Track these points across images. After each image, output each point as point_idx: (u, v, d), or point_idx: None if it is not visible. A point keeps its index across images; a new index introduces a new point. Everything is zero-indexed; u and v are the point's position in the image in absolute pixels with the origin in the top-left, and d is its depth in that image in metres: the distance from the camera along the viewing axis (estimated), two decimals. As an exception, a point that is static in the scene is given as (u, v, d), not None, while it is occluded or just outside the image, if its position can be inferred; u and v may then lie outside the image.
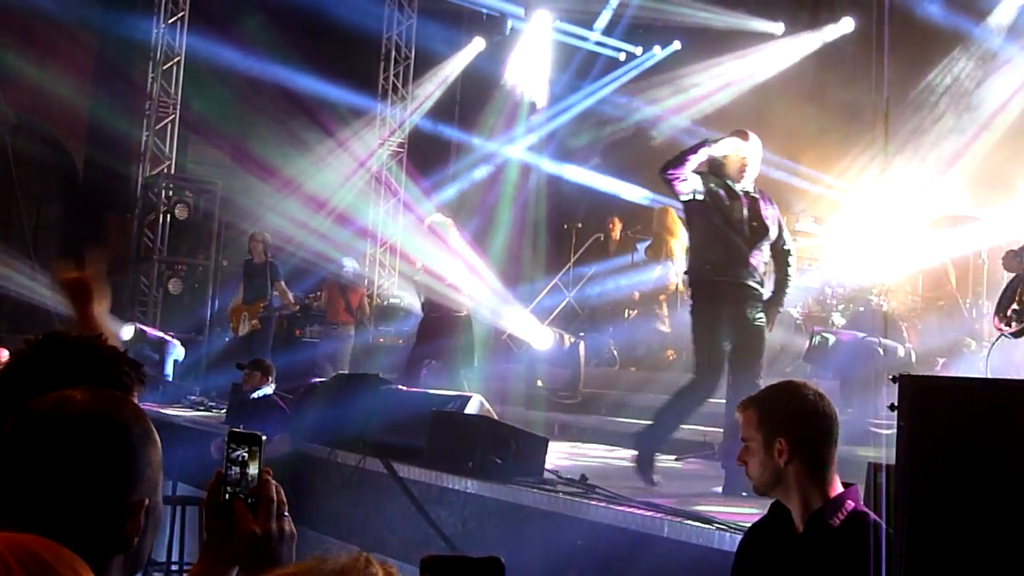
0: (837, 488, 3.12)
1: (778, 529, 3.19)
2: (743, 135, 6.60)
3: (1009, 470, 2.74)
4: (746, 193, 6.60)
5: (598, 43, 16.33)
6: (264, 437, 2.08)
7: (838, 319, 10.44)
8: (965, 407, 2.87)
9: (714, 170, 6.59)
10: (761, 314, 6.55)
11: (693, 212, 6.64)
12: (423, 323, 10.32)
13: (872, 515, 3.05)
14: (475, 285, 10.10)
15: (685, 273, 6.87)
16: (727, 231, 6.46)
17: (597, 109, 16.26)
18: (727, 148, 6.55)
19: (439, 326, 9.91)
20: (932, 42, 12.26)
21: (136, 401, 2.19)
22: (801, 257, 11.71)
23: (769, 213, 6.63)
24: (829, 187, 12.81)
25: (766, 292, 6.70)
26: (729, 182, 6.56)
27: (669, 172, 6.41)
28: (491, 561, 1.96)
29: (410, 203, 16.55)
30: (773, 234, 6.63)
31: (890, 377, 2.75)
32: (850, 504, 3.08)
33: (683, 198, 6.56)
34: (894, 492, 2.74)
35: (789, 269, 6.84)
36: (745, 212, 6.52)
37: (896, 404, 2.80)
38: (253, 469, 2.04)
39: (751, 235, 6.52)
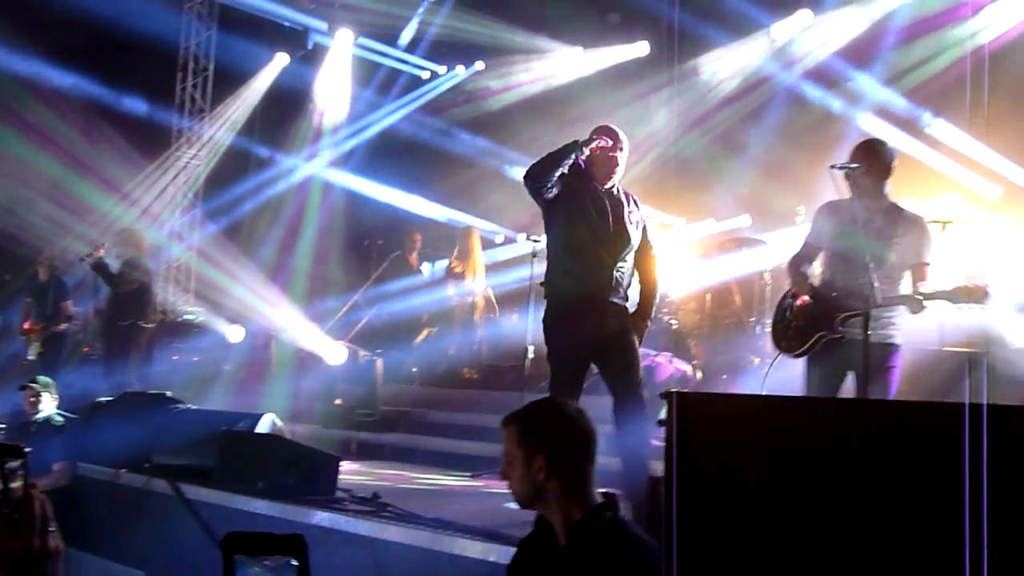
0: (596, 500, 3.18)
1: (543, 543, 3.24)
2: (611, 133, 6.01)
3: (771, 484, 2.85)
4: (610, 196, 6.04)
5: (401, 60, 16.37)
6: (28, 449, 2.00)
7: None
8: (729, 422, 2.97)
9: (576, 171, 6.00)
10: (627, 329, 5.97)
11: (554, 219, 6.03)
12: None
13: (629, 524, 3.12)
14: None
15: (541, 285, 6.18)
16: (590, 241, 5.91)
17: (399, 127, 16.27)
18: (594, 147, 5.92)
19: None
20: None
21: None
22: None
23: (635, 217, 6.06)
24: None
25: (631, 305, 6.12)
26: (594, 184, 6.01)
27: (538, 179, 5.88)
28: (294, 538, 1.94)
29: (207, 218, 16.17)
30: (636, 241, 6.04)
31: (659, 394, 2.84)
32: (608, 515, 3.14)
33: (545, 204, 6.02)
34: (663, 505, 2.83)
35: (655, 277, 6.23)
36: (610, 219, 5.95)
37: (663, 420, 2.90)
38: (17, 483, 1.96)
39: (615, 245, 5.95)
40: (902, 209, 6.09)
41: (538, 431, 3.22)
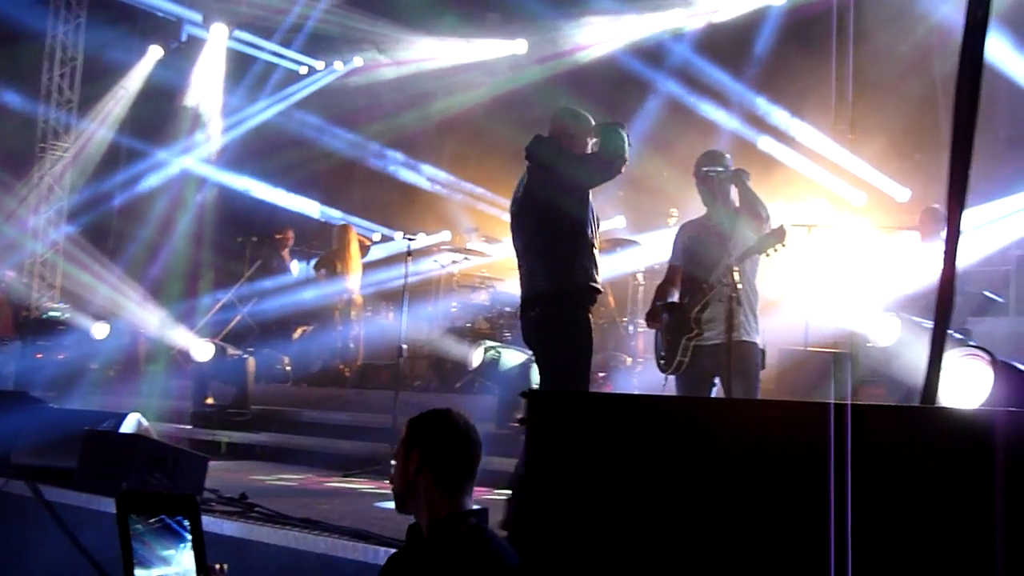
0: (466, 507, 3.24)
1: (412, 547, 3.28)
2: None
3: (634, 483, 2.90)
4: None
5: (277, 55, 16.17)
6: None
7: (508, 336, 10.73)
8: (590, 421, 3.02)
9: None
10: None
11: (573, 209, 5.69)
12: None
13: (491, 532, 3.16)
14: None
15: (556, 281, 5.64)
16: (594, 232, 5.77)
17: (275, 122, 16.06)
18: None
19: None
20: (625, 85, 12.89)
21: None
22: (472, 275, 12.09)
23: None
24: (501, 207, 13.15)
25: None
26: None
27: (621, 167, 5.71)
28: (185, 498, 2.05)
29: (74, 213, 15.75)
30: None
31: (519, 393, 2.88)
32: (473, 520, 3.19)
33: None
34: (522, 501, 2.87)
35: None
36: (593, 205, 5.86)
37: (524, 418, 2.94)
38: None
39: (598, 236, 5.86)
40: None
41: (422, 429, 3.32)
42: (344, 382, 11.68)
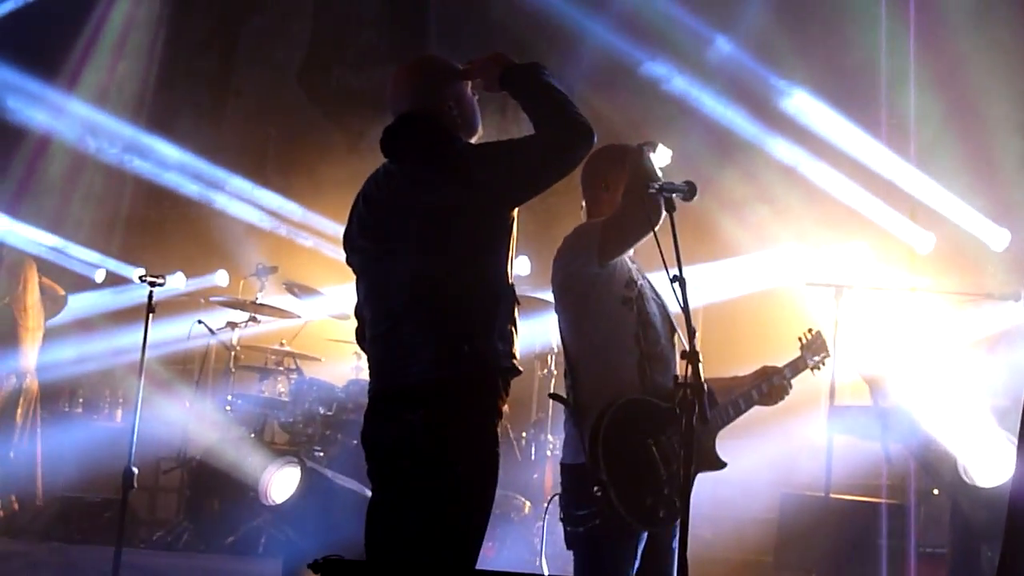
0: None
1: None
2: None
3: None
4: None
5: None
6: None
7: (320, 455, 10.43)
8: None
9: None
10: None
11: None
12: None
13: None
14: None
15: (458, 362, 5.31)
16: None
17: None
18: None
19: None
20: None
21: None
22: (263, 348, 11.41)
23: None
24: (320, 234, 13.38)
25: None
26: None
27: None
28: None
29: None
30: None
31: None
32: None
33: None
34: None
35: None
36: None
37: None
38: None
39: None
40: None
41: None
42: (32, 531, 11.02)
